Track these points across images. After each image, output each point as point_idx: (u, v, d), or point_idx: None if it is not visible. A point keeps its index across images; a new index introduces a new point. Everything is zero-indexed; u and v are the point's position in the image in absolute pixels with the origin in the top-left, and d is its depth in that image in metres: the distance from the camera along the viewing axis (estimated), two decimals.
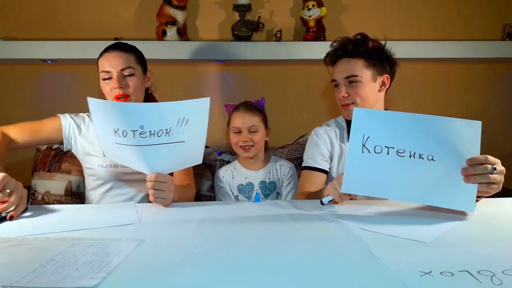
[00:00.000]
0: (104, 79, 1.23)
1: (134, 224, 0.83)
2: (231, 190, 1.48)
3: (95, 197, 1.30)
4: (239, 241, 0.73)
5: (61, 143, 1.29)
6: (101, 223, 0.84)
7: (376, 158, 0.85)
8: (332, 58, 1.30)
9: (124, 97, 1.21)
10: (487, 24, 2.06)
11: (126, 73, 1.22)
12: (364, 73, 1.22)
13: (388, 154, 0.84)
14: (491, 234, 0.76)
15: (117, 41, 1.29)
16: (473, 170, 0.81)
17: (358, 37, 1.25)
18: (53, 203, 1.52)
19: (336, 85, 1.28)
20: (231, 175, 1.50)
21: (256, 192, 1.43)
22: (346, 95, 1.23)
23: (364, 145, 0.85)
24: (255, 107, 1.48)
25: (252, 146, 1.43)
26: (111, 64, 1.21)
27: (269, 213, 0.93)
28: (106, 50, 1.25)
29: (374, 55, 1.23)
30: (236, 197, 1.48)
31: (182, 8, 1.83)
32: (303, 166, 1.33)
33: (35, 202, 1.54)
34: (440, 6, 2.05)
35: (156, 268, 0.60)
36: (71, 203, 1.53)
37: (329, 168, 1.32)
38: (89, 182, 1.32)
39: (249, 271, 0.59)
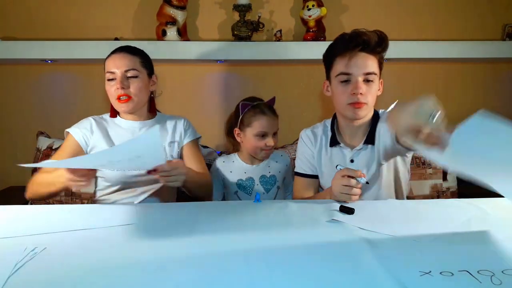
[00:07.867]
0: (109, 80, 1.24)
1: (130, 224, 0.83)
2: (226, 183, 1.46)
3: (104, 195, 1.31)
4: (238, 241, 0.73)
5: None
6: (95, 223, 0.84)
7: None
8: (344, 49, 1.11)
9: (126, 97, 1.23)
10: (487, 24, 2.06)
11: (129, 74, 1.24)
12: (377, 72, 1.13)
13: None
14: (491, 234, 0.76)
15: (126, 45, 1.32)
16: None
17: (378, 33, 1.11)
18: (53, 203, 1.53)
19: (346, 80, 1.12)
20: (228, 169, 1.46)
21: (257, 192, 1.40)
22: (364, 91, 1.10)
23: None
24: (274, 109, 1.44)
25: (272, 149, 1.42)
26: (116, 65, 1.23)
27: (269, 213, 0.93)
28: (114, 52, 1.27)
29: (383, 56, 1.15)
30: (235, 193, 1.44)
31: (182, 8, 1.83)
32: (296, 172, 1.33)
33: (35, 202, 1.54)
34: (440, 6, 2.05)
35: (152, 268, 0.60)
36: (71, 203, 1.53)
37: (318, 171, 1.30)
38: (99, 182, 1.33)
39: (249, 270, 0.59)
